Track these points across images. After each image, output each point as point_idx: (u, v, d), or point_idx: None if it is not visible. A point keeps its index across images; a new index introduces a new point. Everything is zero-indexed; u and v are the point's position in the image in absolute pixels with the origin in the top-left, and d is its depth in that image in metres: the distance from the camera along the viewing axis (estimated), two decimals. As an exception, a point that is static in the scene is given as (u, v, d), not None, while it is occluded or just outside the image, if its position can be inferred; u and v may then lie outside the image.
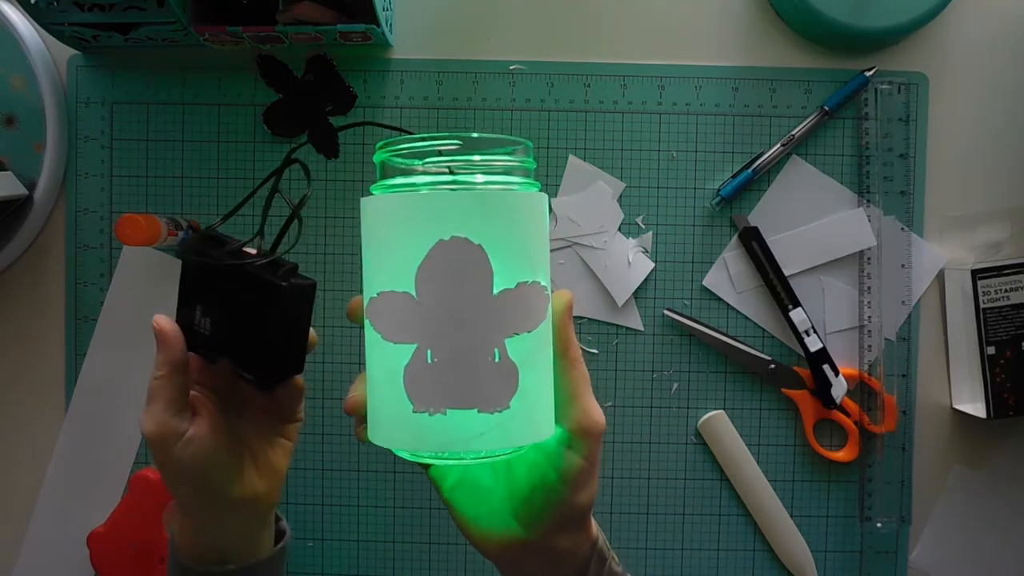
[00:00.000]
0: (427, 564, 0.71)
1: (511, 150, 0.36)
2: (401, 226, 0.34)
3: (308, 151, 0.70)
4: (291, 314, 0.46)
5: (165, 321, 0.47)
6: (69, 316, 0.70)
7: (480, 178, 0.35)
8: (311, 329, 0.48)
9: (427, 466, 0.41)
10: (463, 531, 0.40)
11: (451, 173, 0.34)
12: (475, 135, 0.35)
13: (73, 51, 0.70)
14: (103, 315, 0.70)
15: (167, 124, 0.70)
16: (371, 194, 0.37)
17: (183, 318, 0.49)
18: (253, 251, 0.49)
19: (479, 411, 0.34)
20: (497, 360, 0.34)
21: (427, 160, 0.35)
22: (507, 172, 0.36)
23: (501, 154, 0.36)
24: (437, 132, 0.37)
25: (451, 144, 0.35)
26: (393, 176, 0.36)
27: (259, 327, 0.46)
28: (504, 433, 0.34)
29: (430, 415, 0.34)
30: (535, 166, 0.38)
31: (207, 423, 0.48)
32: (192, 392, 0.49)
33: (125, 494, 0.69)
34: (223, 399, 0.51)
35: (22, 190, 0.67)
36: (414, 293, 0.34)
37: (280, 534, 0.55)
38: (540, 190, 0.37)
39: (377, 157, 0.37)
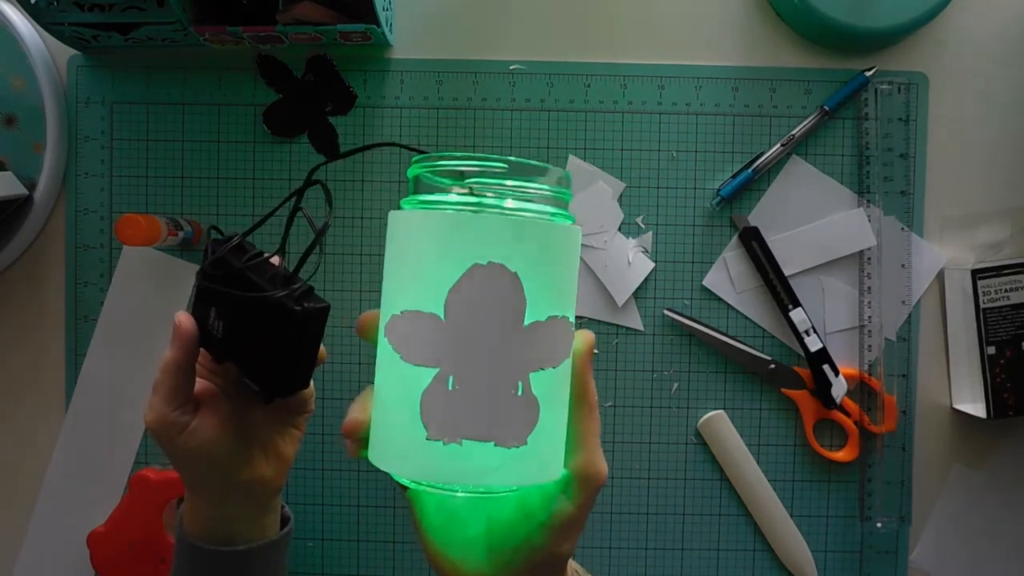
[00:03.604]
0: (427, 564, 0.71)
1: (553, 178, 0.35)
2: (435, 245, 0.33)
3: (323, 169, 0.70)
4: (302, 337, 0.46)
5: (185, 318, 0.49)
6: (69, 316, 0.70)
7: (512, 204, 0.34)
8: (321, 346, 0.49)
9: (405, 486, 0.39)
10: (430, 557, 0.38)
11: (472, 194, 0.33)
12: (520, 160, 0.34)
13: (73, 51, 0.70)
14: (103, 315, 0.70)
15: (167, 124, 0.70)
16: (401, 208, 0.36)
17: (198, 313, 0.50)
18: (275, 260, 0.49)
19: (495, 444, 0.32)
20: (520, 394, 0.33)
21: (468, 181, 0.33)
22: (546, 201, 0.35)
23: (542, 183, 0.34)
24: (477, 153, 0.35)
25: (496, 167, 0.33)
26: (426, 193, 0.35)
27: (269, 346, 0.46)
28: (516, 470, 0.33)
29: (444, 444, 0.32)
30: (571, 198, 0.36)
31: (215, 413, 0.50)
32: (205, 381, 0.51)
33: (125, 494, 0.69)
34: (235, 387, 0.53)
35: (22, 190, 0.67)
36: (442, 315, 0.32)
37: (284, 520, 0.57)
38: (574, 222, 0.36)
39: (411, 172, 0.36)
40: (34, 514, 0.70)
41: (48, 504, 0.70)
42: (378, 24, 0.63)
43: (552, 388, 0.34)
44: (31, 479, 0.70)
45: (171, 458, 0.50)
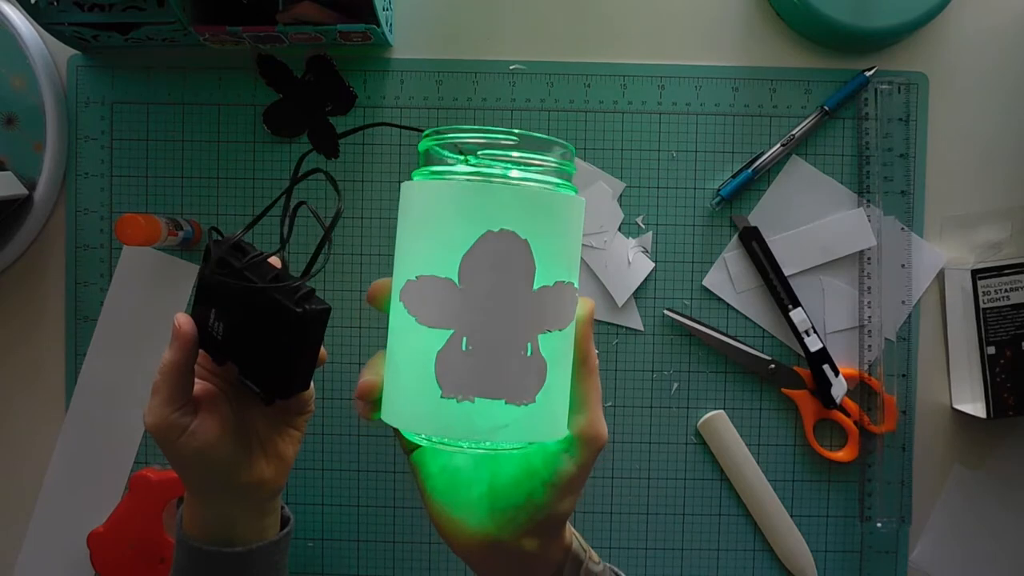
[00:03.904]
0: (427, 564, 0.71)
1: (559, 152, 0.37)
2: (450, 212, 0.34)
3: (318, 159, 0.70)
4: (304, 339, 0.46)
5: (184, 319, 0.49)
6: (69, 316, 0.70)
7: (521, 174, 0.35)
8: (321, 347, 0.49)
9: (410, 450, 0.41)
10: (434, 519, 0.39)
11: (481, 164, 0.35)
12: (528, 133, 0.36)
13: (73, 51, 0.70)
14: (103, 315, 0.70)
15: (167, 124, 0.70)
16: (412, 180, 0.37)
17: (197, 315, 0.50)
18: (276, 262, 0.49)
19: (506, 402, 0.34)
20: (529, 354, 0.35)
21: (483, 151, 0.35)
22: (553, 173, 0.36)
23: (548, 156, 0.36)
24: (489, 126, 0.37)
25: (507, 139, 0.35)
26: (437, 165, 0.37)
27: (270, 348, 0.47)
28: (526, 427, 0.35)
29: (458, 402, 0.34)
30: (575, 171, 0.38)
31: (215, 415, 0.50)
32: (204, 383, 0.51)
33: (125, 494, 0.69)
34: (235, 389, 0.53)
35: (22, 190, 0.67)
36: (456, 280, 0.34)
37: (284, 521, 0.57)
38: (577, 193, 0.38)
39: (422, 145, 0.37)
40: (34, 514, 0.70)
41: (48, 504, 0.70)
42: (378, 24, 0.63)
43: (559, 350, 0.36)
44: (31, 479, 0.70)
45: (171, 460, 0.50)
